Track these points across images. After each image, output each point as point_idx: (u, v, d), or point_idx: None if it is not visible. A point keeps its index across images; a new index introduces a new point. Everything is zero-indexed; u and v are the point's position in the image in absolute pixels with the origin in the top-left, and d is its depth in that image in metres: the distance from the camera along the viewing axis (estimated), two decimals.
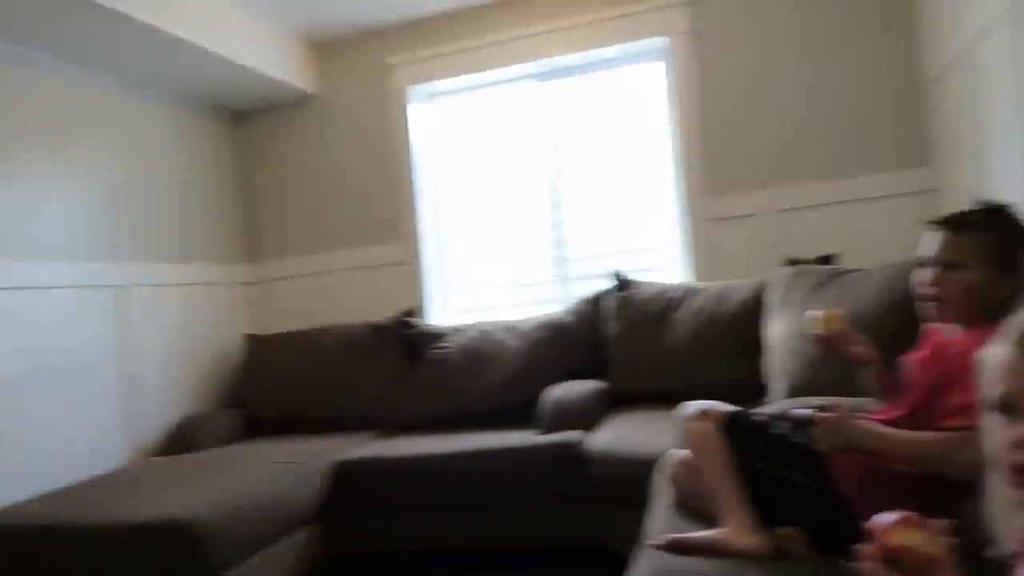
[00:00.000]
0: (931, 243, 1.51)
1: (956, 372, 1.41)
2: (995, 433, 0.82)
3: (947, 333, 1.53)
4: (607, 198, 3.64)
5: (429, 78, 3.76)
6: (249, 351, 3.69)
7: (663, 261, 3.54)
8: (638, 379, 3.05)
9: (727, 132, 3.34)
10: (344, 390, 3.40)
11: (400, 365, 3.43)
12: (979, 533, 0.92)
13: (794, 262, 2.87)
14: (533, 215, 3.75)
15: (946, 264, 1.48)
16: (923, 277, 1.52)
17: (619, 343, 3.13)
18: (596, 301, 3.30)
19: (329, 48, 3.92)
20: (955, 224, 1.49)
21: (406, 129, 3.79)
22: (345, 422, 3.32)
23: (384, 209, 3.84)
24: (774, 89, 3.28)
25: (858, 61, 3.17)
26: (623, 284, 3.25)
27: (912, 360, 1.56)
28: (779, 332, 2.58)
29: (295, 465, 2.73)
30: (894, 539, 0.88)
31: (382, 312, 3.67)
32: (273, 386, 3.51)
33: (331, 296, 3.91)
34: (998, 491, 0.88)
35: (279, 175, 4.02)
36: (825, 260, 2.86)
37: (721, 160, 3.35)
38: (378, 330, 3.54)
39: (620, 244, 3.61)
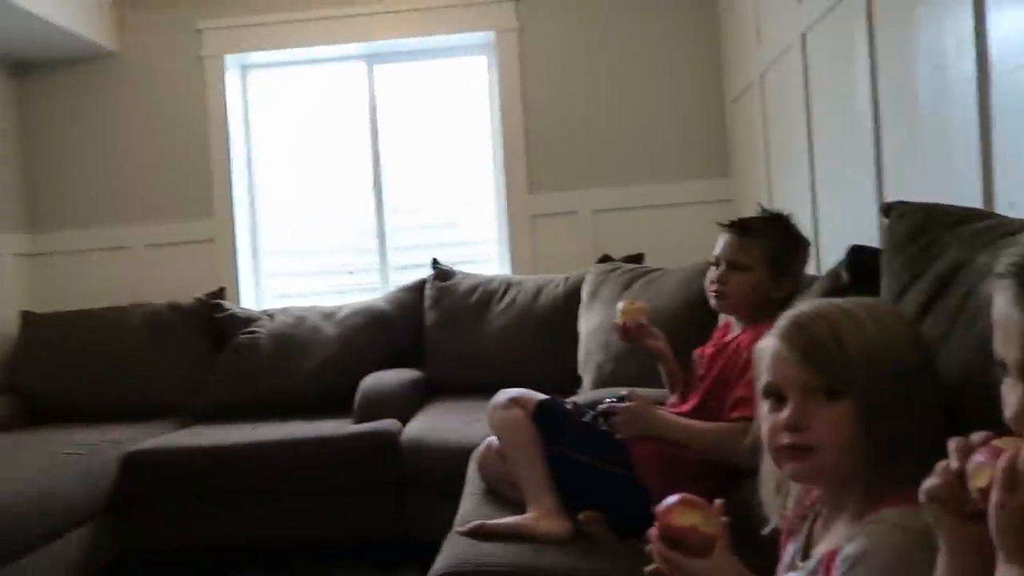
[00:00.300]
0: (721, 244, 1.64)
1: (738, 367, 1.54)
2: (764, 419, 0.90)
3: (734, 330, 1.66)
4: (430, 189, 3.63)
5: (247, 48, 3.56)
6: (26, 330, 3.31)
7: (483, 254, 3.59)
8: (455, 369, 3.07)
9: (547, 132, 3.44)
10: (141, 375, 3.15)
11: (206, 350, 3.23)
12: (756, 514, 1.00)
13: (606, 259, 3.01)
14: (354, 201, 3.66)
15: (732, 264, 1.61)
16: (712, 275, 1.65)
17: (436, 333, 3.14)
18: (415, 290, 3.28)
19: (135, 3, 3.58)
20: (742, 228, 1.62)
21: (222, 100, 3.56)
22: (142, 410, 3.06)
23: (193, 183, 3.58)
24: (593, 95, 3.42)
25: (671, 78, 3.39)
26: (442, 274, 3.26)
27: (701, 355, 1.68)
28: (590, 325, 2.70)
29: (81, 456, 2.52)
30: (675, 520, 0.94)
31: (187, 293, 3.42)
32: (57, 369, 3.18)
33: (129, 273, 3.59)
34: (767, 473, 0.96)
35: (71, 137, 3.62)
36: (634, 259, 3.02)
37: (541, 159, 3.45)
38: (182, 311, 3.31)
39: (441, 235, 3.61)
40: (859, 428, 0.83)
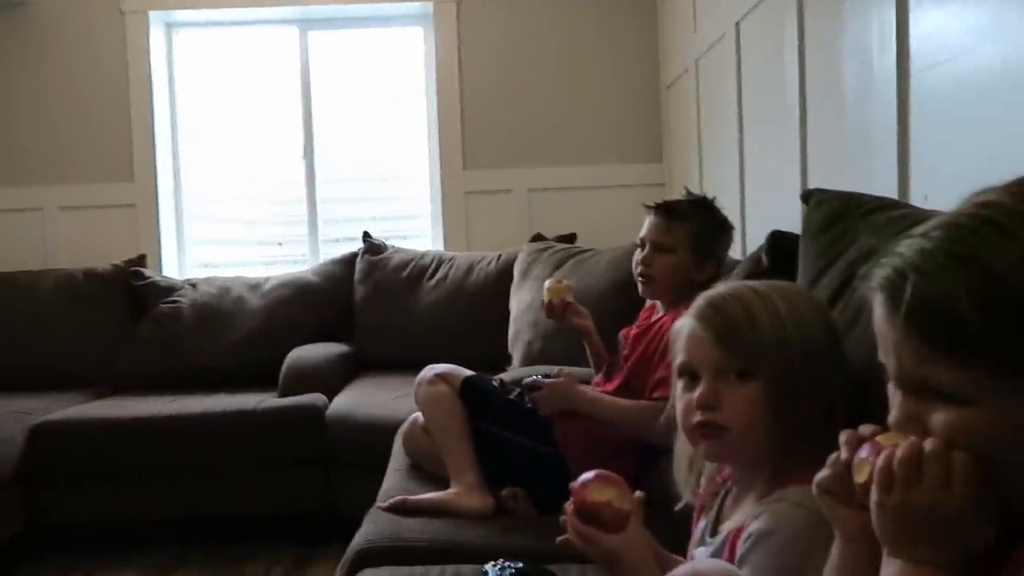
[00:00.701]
0: (647, 226, 1.67)
1: (660, 349, 1.57)
2: (678, 398, 0.92)
3: (658, 312, 1.69)
4: (363, 161, 3.57)
5: (172, 5, 3.42)
6: None
7: (416, 229, 3.56)
8: (384, 345, 3.04)
9: (484, 108, 3.42)
10: (54, 344, 3.02)
11: (123, 319, 3.11)
12: (671, 491, 1.02)
13: (538, 238, 3.02)
14: (283, 170, 3.56)
15: (657, 246, 1.64)
16: (638, 256, 1.67)
17: (366, 307, 3.10)
18: (345, 264, 3.23)
19: None
20: (667, 211, 1.65)
21: (145, 59, 3.41)
22: (54, 380, 2.94)
23: (113, 145, 3.42)
24: (531, 73, 3.42)
25: (609, 61, 3.41)
26: (373, 248, 3.22)
27: (626, 336, 1.71)
28: (521, 304, 2.71)
29: None
30: (590, 495, 0.96)
31: (104, 258, 3.27)
32: None
33: (42, 236, 3.42)
34: (680, 451, 0.99)
35: None
36: (567, 239, 3.04)
37: (477, 135, 3.43)
38: (98, 278, 3.17)
39: (373, 209, 3.57)
40: (768, 409, 0.85)
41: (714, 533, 0.93)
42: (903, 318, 0.55)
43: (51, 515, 2.54)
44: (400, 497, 1.57)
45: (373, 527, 1.48)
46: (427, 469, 1.74)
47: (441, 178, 3.44)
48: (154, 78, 3.43)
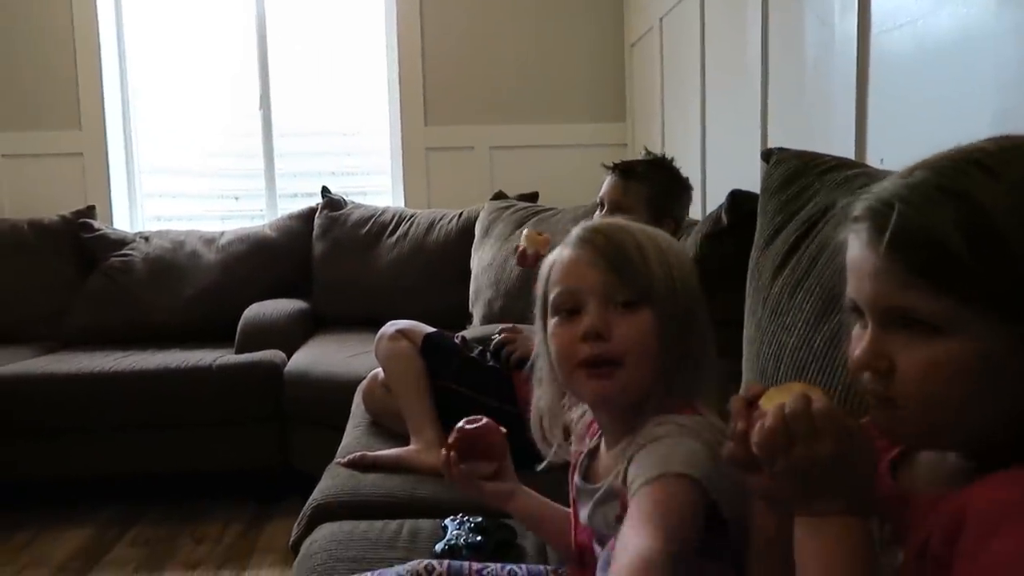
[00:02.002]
0: (605, 186, 1.67)
1: None
2: (554, 335, 0.84)
3: None
4: (322, 115, 3.49)
5: None
6: None
7: (376, 185, 3.51)
8: (343, 301, 3.02)
9: (446, 63, 3.36)
10: None
11: (72, 272, 3.03)
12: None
13: (500, 196, 3.00)
14: (239, 121, 3.47)
15: (615, 206, 1.64)
16: (597, 216, 1.67)
17: (324, 264, 3.07)
18: (304, 219, 3.18)
19: None
20: (624, 171, 1.65)
21: (92, 1, 3.26)
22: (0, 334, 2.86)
23: (58, 90, 3.29)
24: (495, 29, 3.36)
25: (573, 18, 3.36)
26: (333, 204, 3.17)
27: None
28: (482, 262, 2.70)
29: None
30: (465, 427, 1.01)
31: (51, 209, 3.17)
32: None
33: None
34: (540, 405, 0.93)
35: None
36: (529, 197, 3.03)
37: (439, 91, 3.37)
38: (44, 230, 3.07)
39: (332, 164, 3.50)
40: (659, 339, 0.80)
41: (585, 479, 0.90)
42: (887, 244, 0.57)
43: None
44: (359, 453, 1.57)
45: (332, 482, 1.48)
46: (386, 425, 1.74)
47: (402, 134, 3.39)
48: (101, 22, 3.29)
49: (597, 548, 0.86)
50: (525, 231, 1.81)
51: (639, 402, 0.82)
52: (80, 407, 2.47)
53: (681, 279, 0.82)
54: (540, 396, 0.92)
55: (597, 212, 1.68)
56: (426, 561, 1.03)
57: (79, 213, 3.14)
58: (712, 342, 0.84)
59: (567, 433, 0.92)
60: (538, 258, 1.76)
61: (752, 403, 0.63)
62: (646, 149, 1.76)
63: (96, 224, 3.12)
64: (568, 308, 0.83)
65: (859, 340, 0.61)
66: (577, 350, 0.81)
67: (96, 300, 2.93)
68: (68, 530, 2.38)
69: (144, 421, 2.50)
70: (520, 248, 1.79)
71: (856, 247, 0.60)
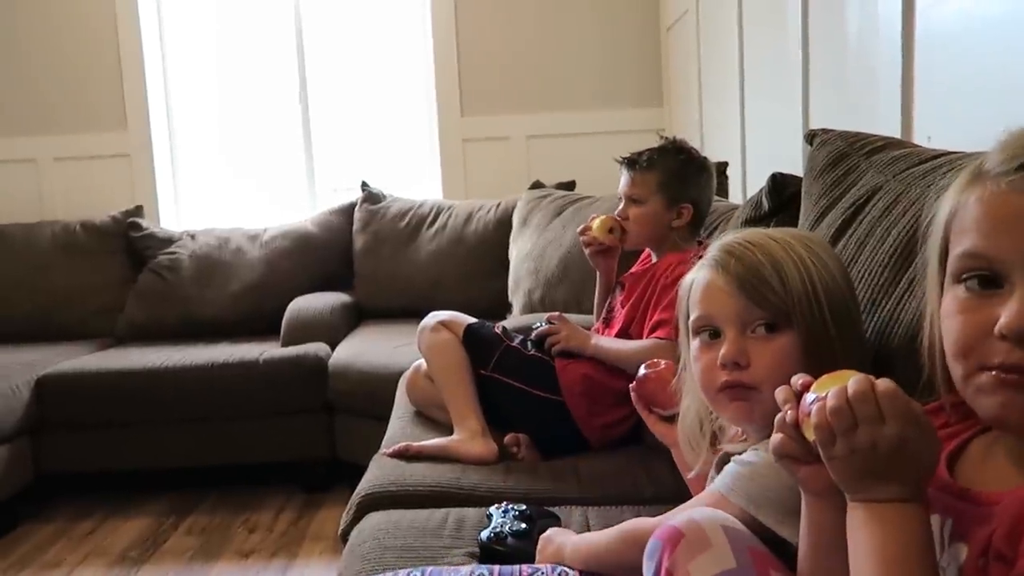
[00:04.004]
0: (621, 180, 1.66)
1: (655, 293, 1.57)
2: (696, 358, 0.84)
3: (653, 258, 1.69)
4: (360, 108, 3.52)
5: None
6: None
7: (415, 177, 3.53)
8: (384, 294, 3.05)
9: (481, 54, 3.36)
10: (53, 296, 3.03)
11: (122, 271, 3.11)
12: None
13: (537, 186, 3.00)
14: (280, 120, 3.52)
15: (630, 199, 1.63)
16: (618, 209, 1.67)
17: (365, 257, 3.10)
18: (344, 213, 3.21)
19: None
20: (630, 163, 1.64)
21: (134, 3, 3.33)
22: (53, 332, 2.96)
23: (105, 93, 3.37)
24: (529, 18, 3.35)
25: (606, 6, 3.33)
26: (372, 197, 3.20)
27: (623, 281, 1.71)
28: (520, 252, 2.70)
29: None
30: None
31: (100, 210, 3.25)
32: None
33: (37, 188, 3.39)
34: (690, 415, 0.92)
35: None
36: (566, 186, 3.02)
37: (474, 82, 3.37)
38: (95, 230, 3.16)
39: (373, 157, 3.53)
40: (802, 363, 0.76)
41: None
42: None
43: (59, 465, 2.57)
44: (404, 443, 1.58)
45: (378, 472, 1.50)
46: (430, 416, 1.75)
47: (439, 126, 3.40)
48: (143, 26, 3.36)
49: None
50: (600, 219, 1.70)
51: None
52: (134, 401, 2.53)
53: (827, 293, 0.80)
54: (688, 405, 0.92)
55: (620, 207, 1.67)
56: (478, 571, 1.01)
57: (128, 213, 3.22)
58: (862, 353, 0.83)
59: (715, 439, 0.92)
60: (600, 246, 1.73)
61: (801, 394, 0.62)
62: (658, 134, 1.74)
63: (144, 223, 3.20)
64: (708, 331, 0.83)
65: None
66: (716, 376, 0.82)
67: (147, 297, 3.01)
68: (127, 520, 2.46)
69: (194, 414, 2.56)
70: (593, 235, 1.71)
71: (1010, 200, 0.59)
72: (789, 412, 0.62)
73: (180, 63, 3.51)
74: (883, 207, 0.93)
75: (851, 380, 0.58)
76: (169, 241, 3.13)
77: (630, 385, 1.08)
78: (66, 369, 2.59)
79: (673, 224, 1.60)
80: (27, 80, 3.36)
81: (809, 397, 0.61)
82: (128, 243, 3.15)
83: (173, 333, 2.91)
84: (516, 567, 1.02)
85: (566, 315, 1.73)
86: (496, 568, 1.01)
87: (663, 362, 1.07)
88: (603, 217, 1.69)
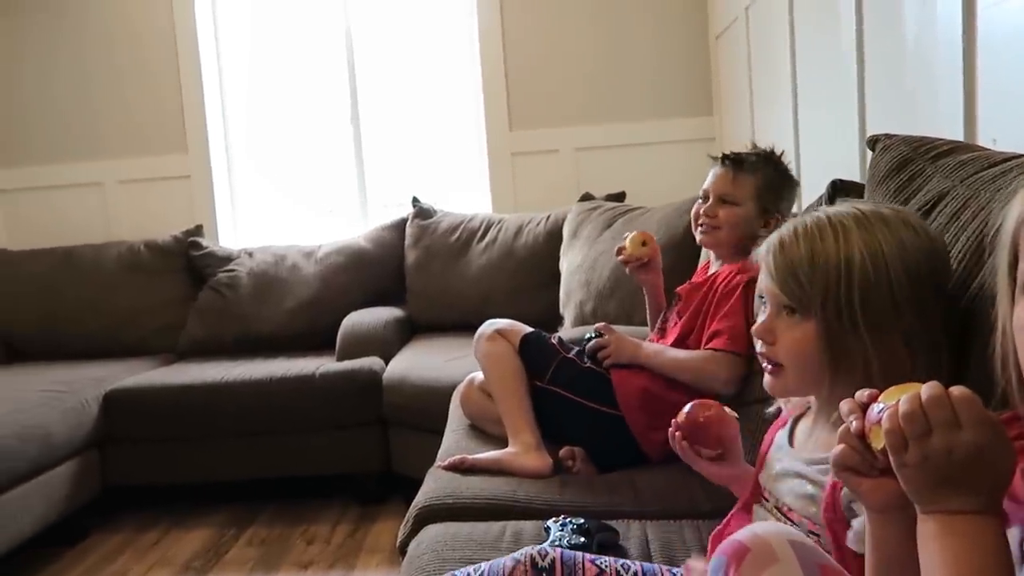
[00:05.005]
0: (711, 178, 1.63)
1: (714, 301, 1.55)
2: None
3: (712, 267, 1.67)
4: (410, 125, 3.57)
5: None
6: (1, 268, 3.27)
7: (465, 192, 3.56)
8: (436, 308, 3.08)
9: (528, 68, 3.38)
10: (118, 313, 3.13)
11: (184, 288, 3.21)
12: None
13: (587, 198, 3.00)
14: (332, 137, 3.59)
15: (722, 198, 1.60)
16: (703, 207, 1.64)
17: (417, 271, 3.13)
18: (396, 228, 3.26)
19: None
20: (735, 163, 1.61)
21: (194, 31, 3.45)
22: (119, 348, 3.06)
23: (166, 117, 3.49)
24: (576, 30, 3.35)
25: (655, 13, 3.32)
26: (423, 212, 3.24)
27: (682, 291, 1.69)
28: (571, 264, 2.70)
29: (62, 393, 2.51)
30: (698, 413, 1.02)
31: (163, 230, 3.36)
32: (34, 307, 3.16)
33: (103, 210, 3.52)
34: None
35: (40, 68, 3.50)
36: (616, 197, 3.01)
37: (522, 95, 3.39)
38: (158, 249, 3.27)
39: (423, 173, 3.57)
40: (822, 351, 0.82)
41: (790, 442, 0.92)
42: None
43: (125, 478, 2.65)
44: (459, 456, 1.59)
45: (435, 485, 1.51)
46: (484, 429, 1.76)
47: (487, 140, 3.43)
48: (202, 51, 3.47)
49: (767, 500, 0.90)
50: (631, 236, 1.72)
51: (814, 393, 0.88)
52: (195, 415, 2.60)
53: (865, 292, 0.80)
54: None
55: (699, 203, 1.64)
56: (539, 547, 1.03)
57: (188, 232, 3.32)
58: (922, 336, 0.81)
59: None
60: (636, 262, 1.72)
61: (867, 405, 0.61)
62: (753, 143, 1.71)
63: (204, 242, 3.30)
64: (762, 300, 0.92)
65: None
66: (757, 342, 0.92)
67: (206, 314, 3.09)
68: (190, 531, 2.52)
69: (253, 427, 2.62)
70: (627, 252, 1.72)
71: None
72: (854, 422, 0.61)
73: (237, 88, 3.61)
74: (951, 212, 0.91)
75: (925, 386, 0.57)
76: (228, 259, 3.22)
77: (671, 428, 1.06)
78: (131, 384, 2.67)
79: (760, 233, 1.58)
80: (93, 108, 3.50)
81: (877, 407, 0.60)
82: (189, 261, 3.25)
83: (232, 349, 2.98)
84: (579, 552, 1.03)
85: (615, 326, 1.72)
86: (558, 548, 1.03)
87: (714, 403, 1.05)
88: (634, 234, 1.71)
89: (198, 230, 3.37)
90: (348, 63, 3.54)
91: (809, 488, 0.84)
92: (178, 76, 3.47)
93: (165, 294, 3.18)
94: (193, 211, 3.49)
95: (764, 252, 0.89)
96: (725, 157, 1.62)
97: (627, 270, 1.77)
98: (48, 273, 3.21)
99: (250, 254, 3.24)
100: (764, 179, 1.59)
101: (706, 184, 1.64)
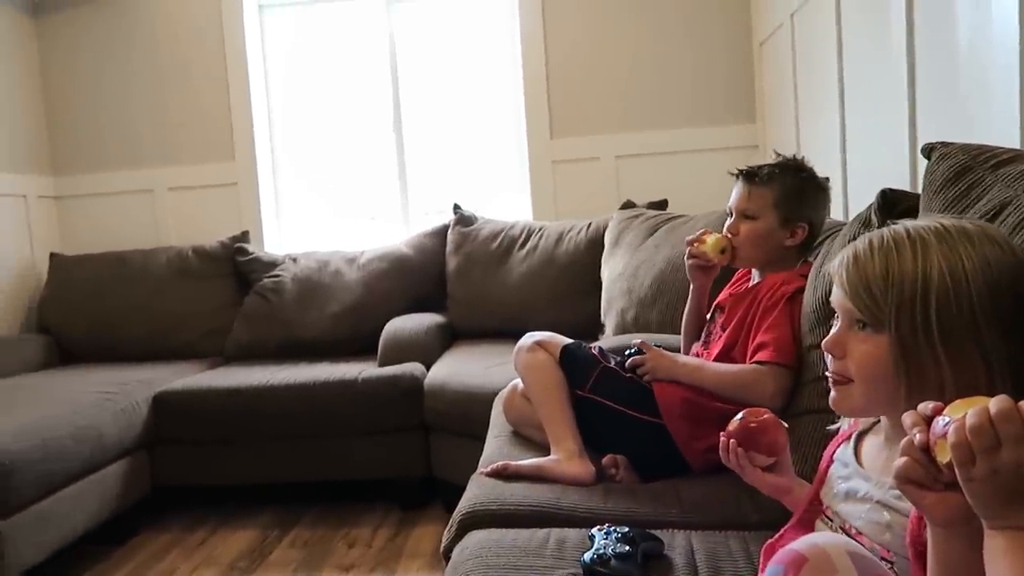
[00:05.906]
0: (733, 194, 1.62)
1: (759, 313, 1.53)
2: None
3: (754, 279, 1.65)
4: (452, 132, 3.60)
5: None
6: (55, 272, 3.37)
7: (505, 199, 3.58)
8: (477, 315, 3.09)
9: (569, 76, 3.39)
10: (168, 318, 3.21)
11: (230, 293, 3.28)
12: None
13: (629, 205, 2.99)
14: (375, 145, 3.64)
15: (742, 213, 1.59)
16: (727, 224, 1.63)
17: (458, 278, 3.15)
18: (437, 235, 3.29)
19: None
20: (748, 176, 1.60)
21: (242, 42, 3.53)
22: (169, 351, 3.14)
23: (214, 126, 3.57)
24: (617, 37, 3.35)
25: (697, 19, 3.31)
26: (464, 220, 3.26)
27: (724, 302, 1.68)
28: (613, 272, 2.69)
29: (114, 395, 2.57)
30: (750, 417, 1.02)
31: (211, 236, 3.45)
32: (86, 311, 3.24)
33: (153, 216, 3.62)
34: None
35: (91, 78, 3.61)
36: (658, 205, 3.00)
37: (563, 103, 3.40)
38: (206, 255, 3.34)
39: (464, 181, 3.60)
40: (894, 366, 0.79)
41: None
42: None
43: (173, 478, 2.71)
44: (502, 463, 1.59)
45: (478, 491, 1.51)
46: (526, 435, 1.76)
47: (528, 148, 3.44)
48: (249, 61, 3.55)
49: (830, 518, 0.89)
50: (714, 237, 1.65)
51: (885, 412, 0.87)
52: (240, 417, 2.65)
53: (943, 311, 0.77)
54: None
55: (728, 221, 1.64)
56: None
57: (235, 239, 3.39)
58: (1001, 353, 0.77)
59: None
60: (708, 263, 1.70)
61: (931, 418, 0.60)
62: (775, 152, 1.70)
63: (250, 248, 3.36)
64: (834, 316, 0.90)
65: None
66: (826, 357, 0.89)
67: (252, 319, 3.15)
68: (235, 531, 2.57)
69: (296, 431, 2.65)
70: (709, 255, 1.65)
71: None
72: (918, 435, 0.60)
73: (282, 98, 3.68)
74: (1013, 223, 0.89)
75: (993, 400, 0.56)
76: (273, 264, 3.28)
77: (722, 434, 1.05)
78: (180, 387, 2.73)
79: (786, 243, 1.56)
80: (144, 117, 3.60)
81: (942, 420, 0.59)
82: (235, 267, 3.31)
83: (276, 353, 3.04)
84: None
85: (653, 337, 1.70)
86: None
87: (765, 410, 1.05)
88: (718, 236, 1.65)
89: (244, 236, 3.44)
90: (391, 71, 3.59)
91: (886, 516, 0.81)
92: (226, 87, 3.55)
93: (212, 299, 3.25)
94: (240, 217, 3.56)
95: (836, 265, 0.86)
96: (740, 172, 1.61)
97: (688, 263, 1.73)
98: (100, 278, 3.30)
99: (294, 260, 3.30)
100: (781, 188, 1.56)
101: (729, 201, 1.63)
